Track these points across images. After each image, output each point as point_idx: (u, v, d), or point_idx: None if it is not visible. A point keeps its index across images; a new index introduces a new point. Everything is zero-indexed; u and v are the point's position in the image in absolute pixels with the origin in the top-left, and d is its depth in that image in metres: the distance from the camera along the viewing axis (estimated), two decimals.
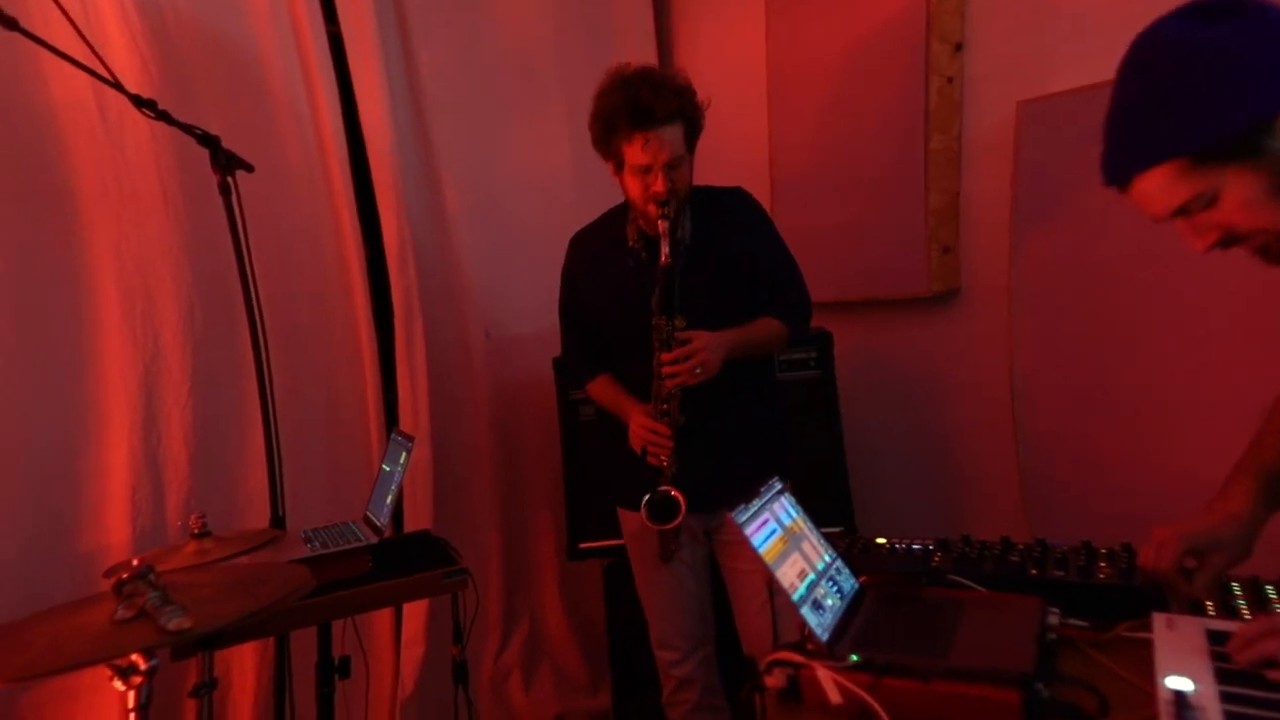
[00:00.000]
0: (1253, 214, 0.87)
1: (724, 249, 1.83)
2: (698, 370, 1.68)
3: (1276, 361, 1.72)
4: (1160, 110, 0.85)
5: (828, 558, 1.27)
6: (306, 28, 2.23)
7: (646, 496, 1.76)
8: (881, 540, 1.49)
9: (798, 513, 1.32)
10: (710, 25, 3.00)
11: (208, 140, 1.67)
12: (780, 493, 1.33)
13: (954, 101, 2.38)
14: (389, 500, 1.81)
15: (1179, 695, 0.84)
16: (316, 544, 1.74)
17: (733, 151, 2.87)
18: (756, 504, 1.25)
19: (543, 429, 2.68)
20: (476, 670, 2.60)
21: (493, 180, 2.69)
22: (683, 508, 1.74)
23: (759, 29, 2.77)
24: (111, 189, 1.91)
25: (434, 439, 2.50)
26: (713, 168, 2.98)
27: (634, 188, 1.75)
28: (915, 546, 1.45)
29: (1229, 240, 0.91)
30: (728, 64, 2.90)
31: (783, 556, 1.17)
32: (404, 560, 1.73)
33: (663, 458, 1.75)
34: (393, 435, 1.96)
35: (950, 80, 2.37)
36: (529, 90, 2.73)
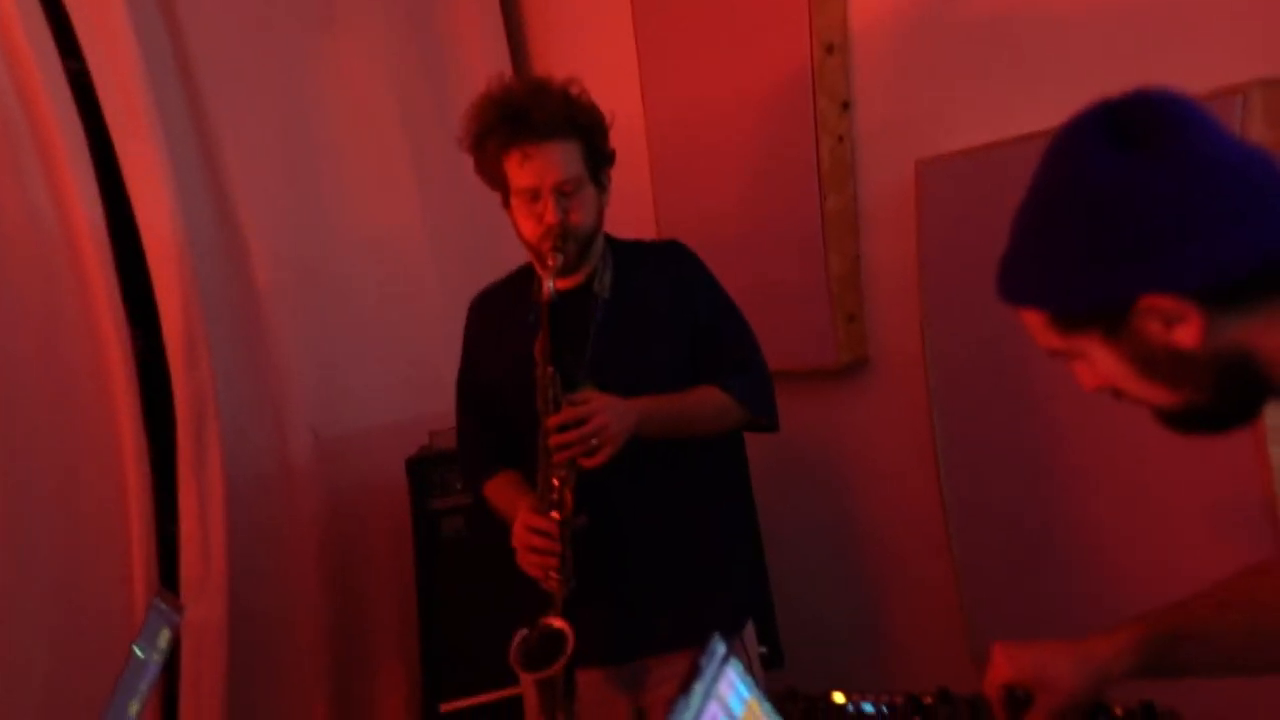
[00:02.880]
0: (1126, 384, 0.79)
1: (651, 304, 1.50)
2: (594, 440, 1.28)
3: None
4: (1032, 250, 0.79)
5: None
6: (30, 61, 1.69)
7: (520, 634, 1.28)
8: (840, 699, 1.13)
9: (750, 690, 0.91)
10: (577, 72, 2.70)
11: None
12: (725, 660, 0.91)
13: (846, 161, 2.19)
14: (134, 709, 1.19)
15: None
16: None
17: (615, 210, 2.55)
18: (697, 690, 0.83)
19: (391, 551, 2.14)
20: None
21: (320, 246, 2.21)
22: (569, 644, 1.25)
23: (633, 82, 2.50)
24: None
25: (233, 588, 1.89)
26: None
27: (523, 221, 1.43)
28: (875, 709, 1.08)
29: (1116, 393, 0.82)
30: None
31: None
32: None
33: (549, 572, 1.29)
34: (152, 604, 1.35)
35: (840, 139, 2.18)
36: (363, 137, 2.29)
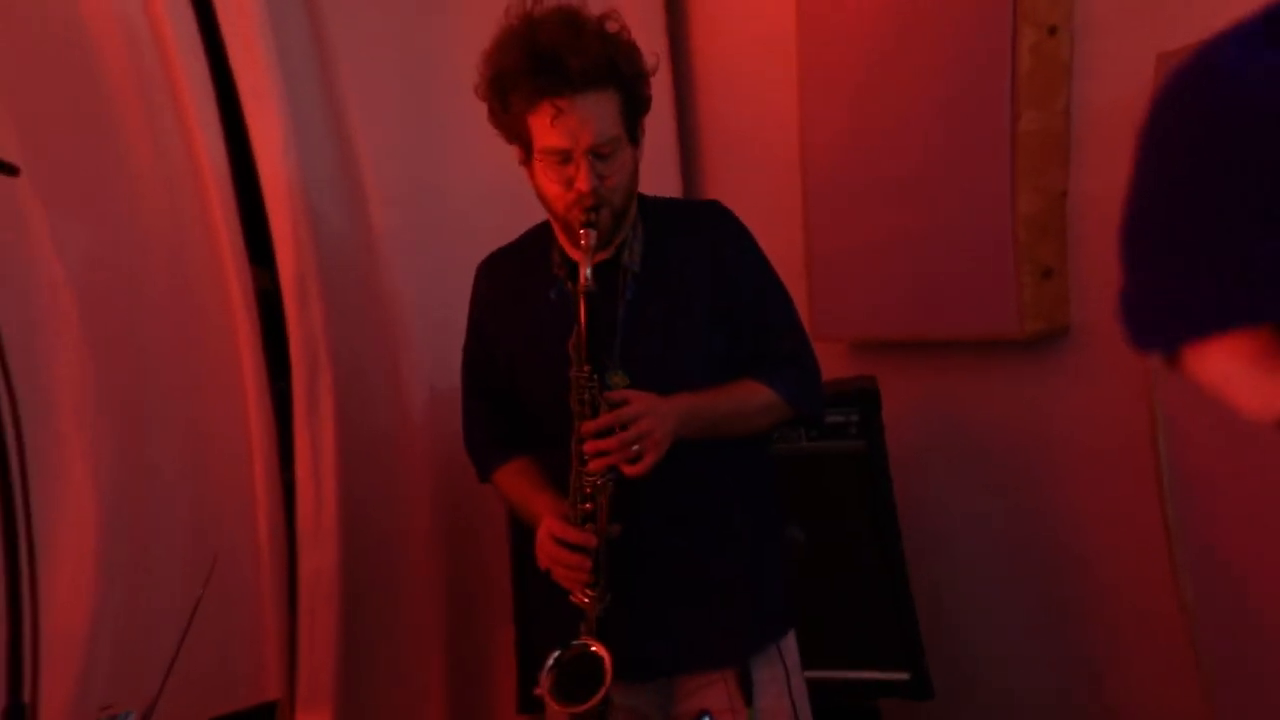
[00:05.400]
0: None
1: (687, 279, 1.33)
2: (635, 448, 1.16)
3: None
4: (1201, 241, 0.46)
5: None
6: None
7: (554, 655, 1.17)
8: None
9: None
10: None
11: None
12: None
13: (1060, 61, 1.68)
14: None
15: None
16: None
17: (754, 147, 2.23)
18: None
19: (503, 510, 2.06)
20: None
21: (438, 194, 2.12)
22: (607, 676, 1.13)
23: None
24: None
25: (348, 537, 1.90)
26: (729, 169, 2.33)
27: (548, 185, 1.26)
28: None
29: None
30: (749, 32, 2.24)
31: None
32: None
33: (582, 590, 1.18)
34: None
35: (1053, 31, 1.66)
36: None
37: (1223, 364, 0.48)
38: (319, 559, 1.89)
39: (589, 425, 1.17)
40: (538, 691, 1.81)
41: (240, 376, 1.85)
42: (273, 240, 1.87)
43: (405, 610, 2.04)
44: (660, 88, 2.35)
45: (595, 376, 1.18)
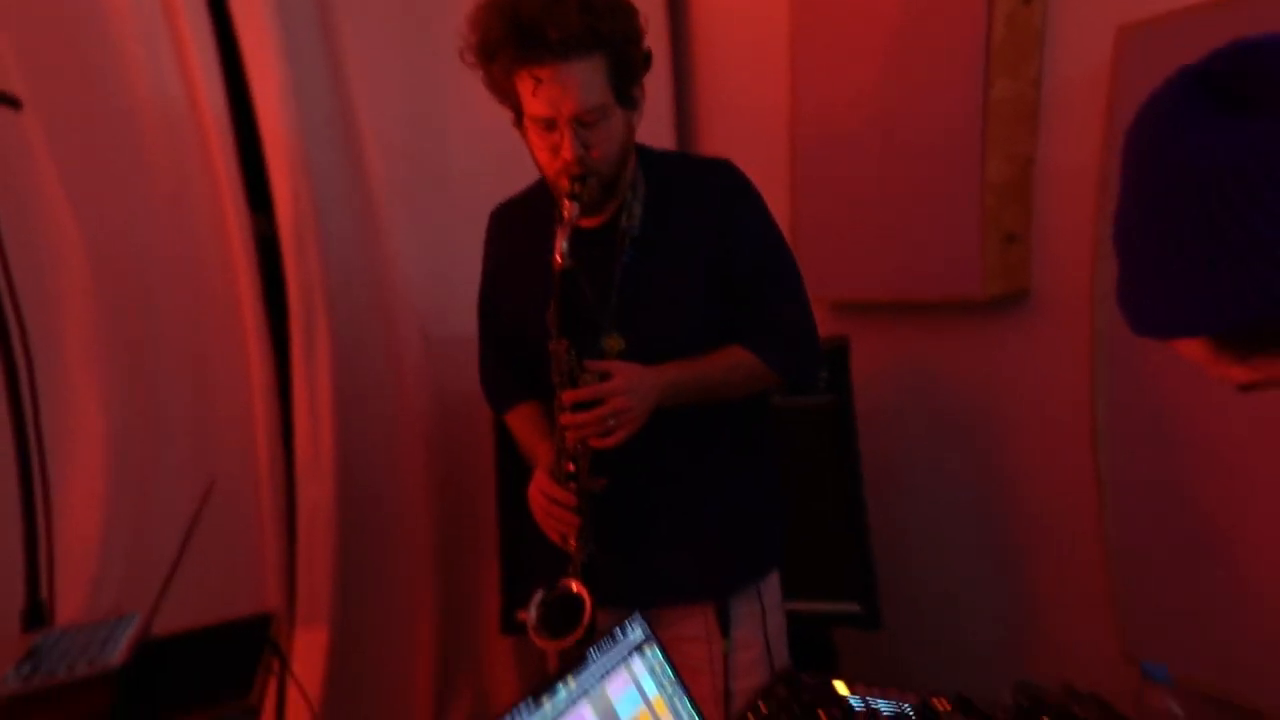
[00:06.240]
0: None
1: (687, 242, 1.29)
2: (610, 422, 1.18)
3: None
4: (1163, 264, 0.60)
5: None
6: None
7: (538, 594, 1.24)
8: (842, 690, 0.95)
9: (662, 684, 0.76)
10: None
11: None
12: (640, 648, 0.77)
13: (1032, 31, 1.72)
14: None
15: None
16: (42, 665, 1.17)
17: (747, 107, 2.28)
18: (606, 652, 0.71)
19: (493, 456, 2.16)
20: None
21: (436, 141, 2.16)
22: (586, 616, 1.19)
23: None
24: None
25: (344, 474, 2.01)
26: (723, 127, 2.36)
27: (537, 150, 1.24)
28: (899, 709, 0.88)
29: None
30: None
31: None
32: (173, 687, 1.21)
33: (568, 538, 1.24)
34: None
35: (1027, 1, 1.70)
36: None
37: (1187, 352, 0.63)
38: (317, 491, 2.01)
39: (567, 396, 1.19)
40: (521, 617, 1.97)
41: (240, 317, 1.94)
42: (271, 187, 1.94)
43: (398, 540, 2.17)
44: (657, 44, 2.40)
45: (573, 351, 1.19)
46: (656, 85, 2.47)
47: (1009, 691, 0.95)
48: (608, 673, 0.71)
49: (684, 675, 1.31)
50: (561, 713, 0.63)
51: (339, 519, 2.03)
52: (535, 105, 1.17)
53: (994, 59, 1.70)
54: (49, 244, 1.73)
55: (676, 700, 0.76)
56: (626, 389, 1.18)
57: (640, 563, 1.31)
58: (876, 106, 1.91)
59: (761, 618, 1.34)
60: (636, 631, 0.77)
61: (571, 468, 1.22)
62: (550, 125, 1.18)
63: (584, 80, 1.16)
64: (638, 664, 0.74)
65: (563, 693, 0.65)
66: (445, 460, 2.20)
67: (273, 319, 1.99)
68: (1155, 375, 1.48)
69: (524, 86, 1.18)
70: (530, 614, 1.24)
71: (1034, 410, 1.78)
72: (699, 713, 0.76)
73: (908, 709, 0.88)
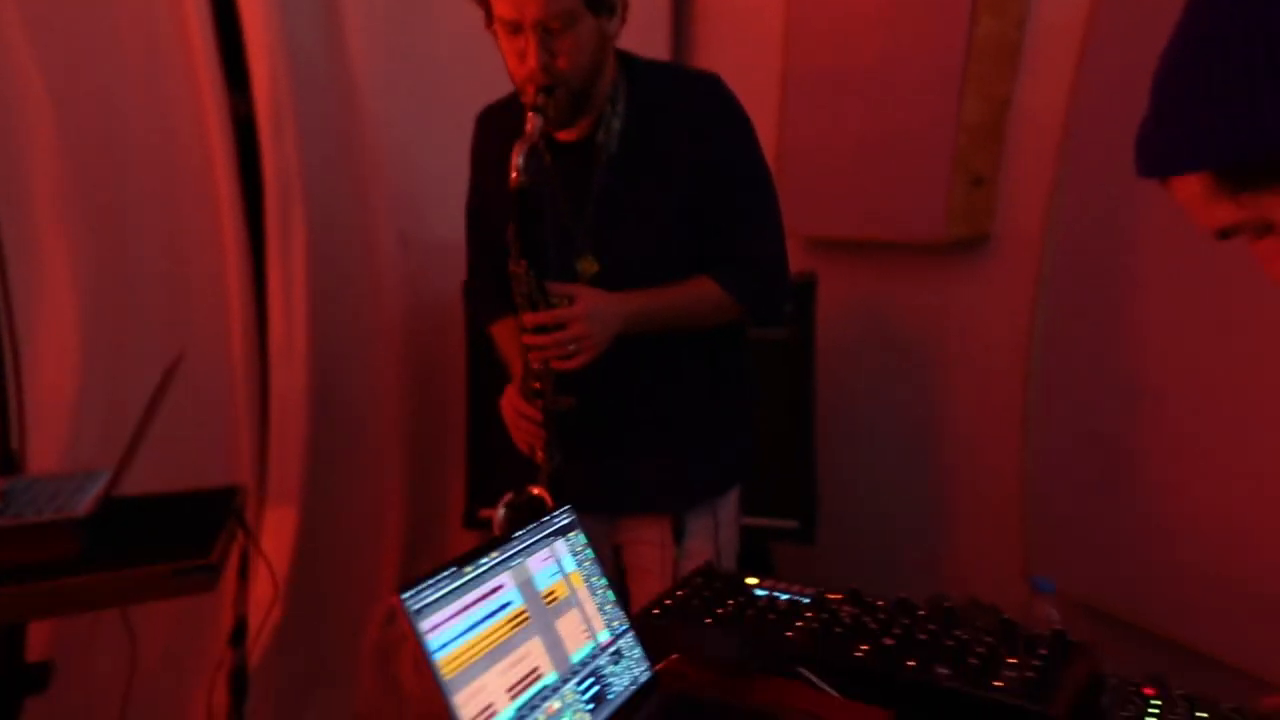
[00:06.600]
0: None
1: (665, 162, 1.25)
2: (571, 347, 1.18)
3: None
4: (1184, 92, 0.62)
5: (604, 635, 0.79)
6: None
7: (506, 496, 1.27)
8: (752, 581, 1.04)
9: (581, 563, 0.84)
10: None
11: None
12: (565, 531, 0.85)
13: None
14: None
15: None
16: (9, 508, 1.25)
17: (741, 28, 2.24)
18: (533, 534, 0.79)
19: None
20: (356, 641, 2.21)
21: (420, 37, 2.11)
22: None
23: None
24: None
25: (319, 365, 2.06)
26: (713, 47, 2.35)
27: (506, 54, 1.19)
28: (795, 599, 0.98)
29: None
30: None
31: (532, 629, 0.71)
32: (137, 540, 1.26)
33: (536, 448, 1.28)
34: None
35: None
36: None
37: (1184, 192, 0.64)
38: (290, 378, 2.05)
39: (529, 318, 1.18)
40: (485, 514, 2.06)
41: (216, 196, 1.92)
42: (249, 66, 1.91)
43: (369, 431, 2.23)
44: None
45: (531, 272, 1.17)
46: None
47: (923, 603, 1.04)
48: (530, 548, 0.79)
49: (636, 575, 1.42)
50: (481, 577, 0.71)
51: (311, 405, 2.08)
52: (500, 6, 1.13)
53: None
54: (12, 94, 1.68)
55: (593, 577, 0.84)
56: (586, 315, 1.17)
57: (605, 474, 1.35)
58: (868, 39, 1.90)
59: (714, 531, 1.37)
60: (562, 519, 0.84)
61: (537, 385, 1.24)
62: (516, 29, 1.13)
63: None
64: (560, 545, 0.82)
65: (485, 561, 0.73)
66: (418, 360, 2.25)
67: (248, 201, 1.98)
68: (1092, 321, 1.55)
69: None
70: (498, 513, 1.28)
71: (979, 348, 1.87)
72: (613, 588, 0.85)
73: (805, 599, 0.97)
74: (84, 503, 1.26)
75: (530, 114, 1.12)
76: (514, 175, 1.12)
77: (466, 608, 0.68)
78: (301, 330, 2.05)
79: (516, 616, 0.72)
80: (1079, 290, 1.56)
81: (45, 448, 1.70)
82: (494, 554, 0.74)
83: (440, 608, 0.66)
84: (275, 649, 2.01)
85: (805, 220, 2.01)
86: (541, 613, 0.75)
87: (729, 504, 1.43)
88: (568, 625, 0.77)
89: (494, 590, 0.72)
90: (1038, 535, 1.70)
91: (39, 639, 1.64)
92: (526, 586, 0.75)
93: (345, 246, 2.13)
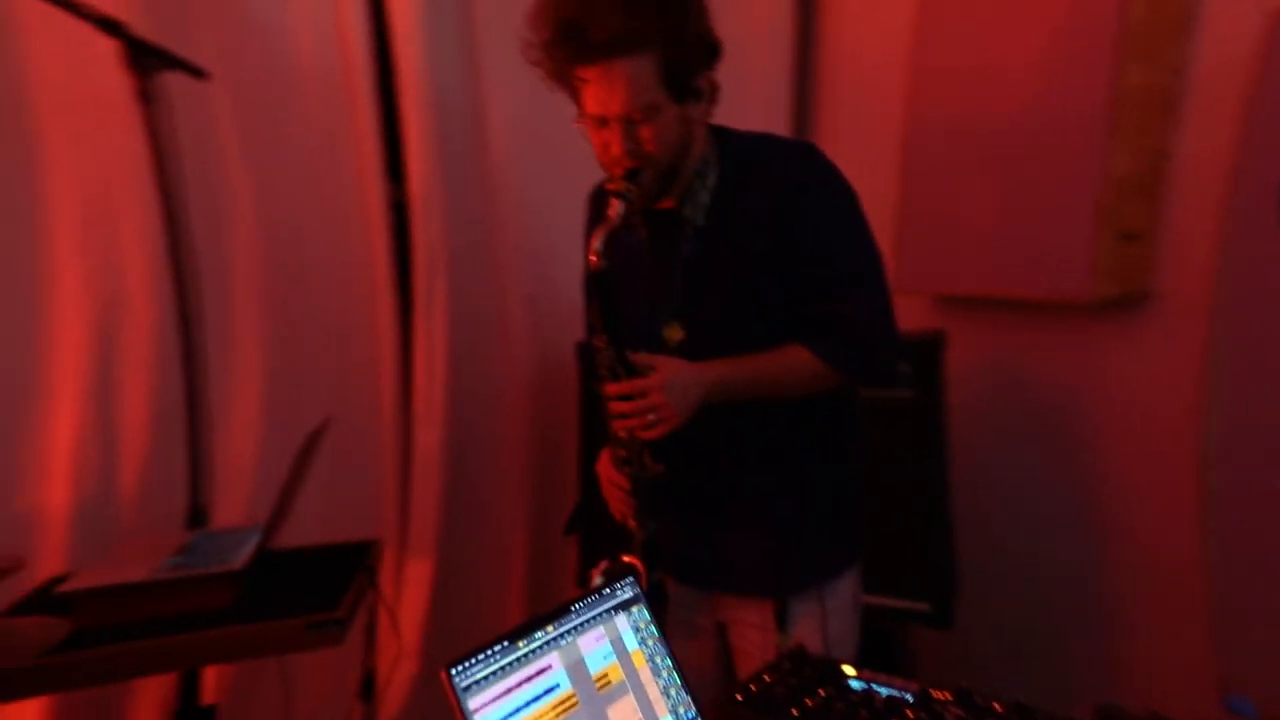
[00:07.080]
0: None
1: (753, 235, 1.24)
2: (651, 417, 1.17)
3: None
4: None
5: None
6: None
7: (603, 563, 1.24)
8: (849, 670, 0.97)
9: (644, 640, 0.83)
10: None
11: (112, 28, 1.33)
12: (628, 605, 0.85)
13: (1176, 12, 1.57)
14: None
15: None
16: (190, 558, 1.38)
17: (863, 87, 2.22)
18: (592, 606, 0.80)
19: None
20: None
21: (550, 121, 2.25)
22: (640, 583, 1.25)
23: None
24: (74, 97, 1.64)
25: (450, 423, 2.21)
26: (839, 104, 2.29)
27: (594, 144, 1.23)
28: (897, 695, 0.91)
29: None
30: None
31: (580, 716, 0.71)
32: (280, 593, 1.36)
33: (629, 518, 1.28)
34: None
35: None
36: None
37: None
38: (430, 436, 2.22)
39: (610, 388, 1.20)
40: (590, 576, 2.09)
41: (374, 274, 2.15)
42: (405, 160, 2.13)
43: (497, 486, 2.34)
44: (783, 16, 2.37)
45: (612, 347, 1.18)
46: (776, 59, 2.48)
47: (1091, 712, 0.94)
48: (586, 625, 0.79)
49: (740, 658, 1.36)
50: (534, 654, 0.72)
51: (448, 462, 2.23)
52: (588, 103, 1.17)
53: (1127, 43, 1.57)
54: (226, 207, 1.96)
55: (657, 657, 0.82)
56: (664, 385, 1.17)
57: (701, 548, 1.32)
58: (998, 90, 1.82)
59: (822, 619, 1.30)
60: (626, 591, 0.84)
61: (624, 454, 1.24)
62: (601, 122, 1.17)
63: (631, 79, 1.12)
64: (621, 620, 0.81)
65: (540, 635, 0.74)
66: (541, 418, 2.35)
67: (398, 279, 2.19)
68: (1276, 391, 1.35)
69: (577, 82, 1.18)
70: (594, 581, 1.29)
71: (1138, 421, 1.67)
72: (679, 672, 0.82)
73: (907, 696, 0.90)
74: (241, 557, 1.38)
75: (614, 199, 1.15)
76: (593, 259, 1.15)
77: (513, 688, 0.69)
78: (440, 392, 2.20)
79: (564, 701, 0.72)
80: (1259, 356, 1.37)
81: (230, 502, 1.92)
82: (549, 628, 0.75)
83: (488, 686, 0.67)
84: (412, 702, 2.12)
85: (932, 278, 1.93)
86: (592, 699, 0.74)
87: (841, 590, 1.33)
88: (621, 713, 0.75)
89: (542, 670, 0.72)
90: (1231, 642, 1.46)
91: (209, 680, 1.82)
92: (577, 668, 0.75)
93: (481, 313, 2.29)
